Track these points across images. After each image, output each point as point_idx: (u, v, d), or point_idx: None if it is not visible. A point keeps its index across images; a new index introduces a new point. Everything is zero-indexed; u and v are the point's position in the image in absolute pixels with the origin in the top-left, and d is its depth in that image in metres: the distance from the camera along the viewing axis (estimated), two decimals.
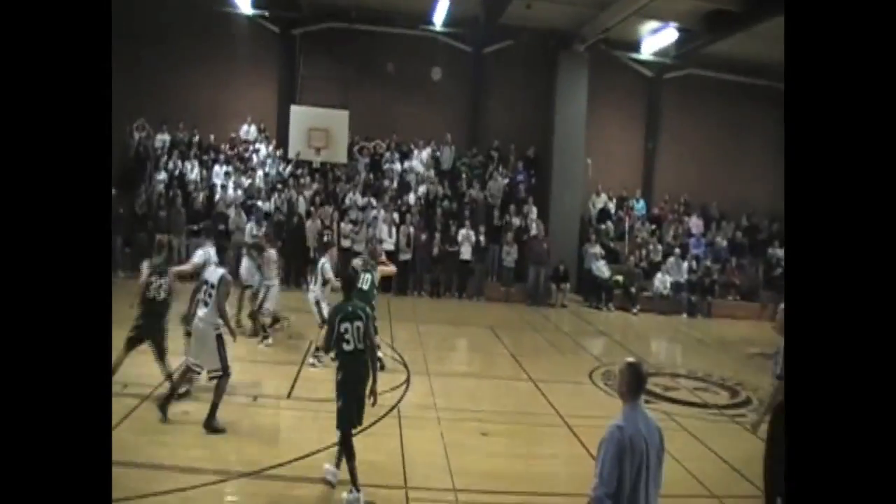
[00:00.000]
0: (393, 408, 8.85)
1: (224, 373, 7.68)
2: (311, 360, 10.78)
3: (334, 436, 6.45)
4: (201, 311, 7.80)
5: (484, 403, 9.49)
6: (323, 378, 9.98)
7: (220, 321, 7.83)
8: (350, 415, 6.23)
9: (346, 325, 6.31)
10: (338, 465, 6.43)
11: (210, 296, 7.79)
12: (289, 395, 9.29)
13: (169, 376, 8.32)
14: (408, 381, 10.32)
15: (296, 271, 17.20)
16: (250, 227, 16.75)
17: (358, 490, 6.12)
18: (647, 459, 3.79)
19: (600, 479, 3.71)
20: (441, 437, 7.90)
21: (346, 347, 6.31)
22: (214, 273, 8.05)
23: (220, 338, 7.73)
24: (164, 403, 7.79)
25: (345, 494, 6.12)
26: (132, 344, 8.19)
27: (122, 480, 5.32)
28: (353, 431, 6.30)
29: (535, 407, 9.47)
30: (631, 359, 4.19)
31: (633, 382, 4.01)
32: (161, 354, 8.35)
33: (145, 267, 8.47)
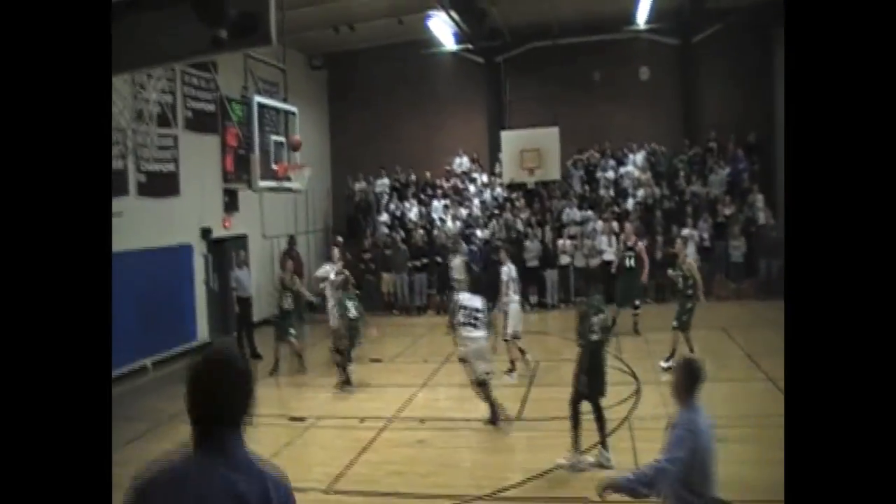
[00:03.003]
0: (624, 420, 8.70)
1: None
2: (508, 376, 11.14)
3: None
4: (476, 333, 9.08)
5: (720, 408, 8.88)
6: (550, 398, 9.96)
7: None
8: (602, 387, 7.65)
9: (594, 318, 7.69)
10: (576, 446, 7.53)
11: (477, 318, 9.08)
12: (518, 417, 9.44)
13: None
14: (637, 391, 10.00)
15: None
16: (458, 262, 17.09)
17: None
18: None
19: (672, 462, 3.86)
20: None
21: (593, 337, 7.67)
22: (474, 299, 9.34)
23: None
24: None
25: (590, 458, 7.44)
26: None
27: None
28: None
29: (776, 409, 8.70)
30: (689, 355, 3.99)
31: (688, 382, 4.07)
32: None
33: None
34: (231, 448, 2.27)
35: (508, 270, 11.72)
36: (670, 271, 12.19)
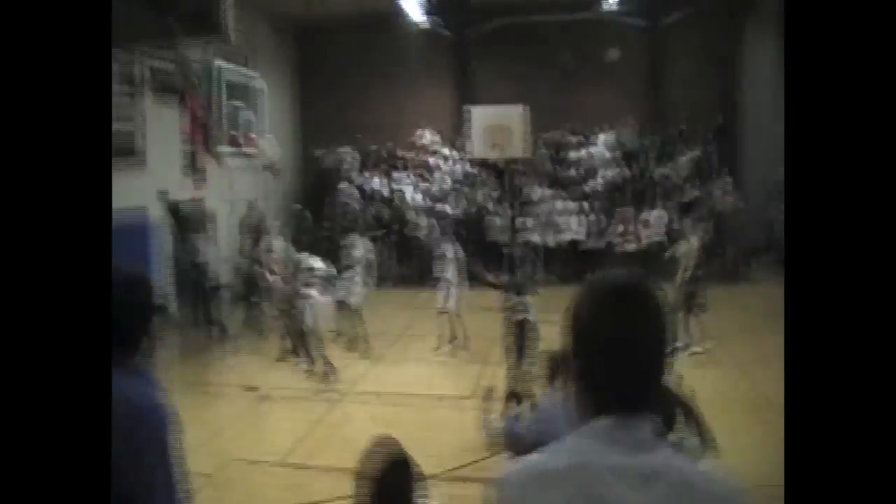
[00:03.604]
0: None
1: None
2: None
3: None
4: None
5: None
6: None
7: None
8: None
9: None
10: None
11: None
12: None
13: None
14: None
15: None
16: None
17: None
18: None
19: None
20: None
21: None
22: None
23: None
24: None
25: None
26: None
27: None
28: None
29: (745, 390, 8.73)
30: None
31: (549, 371, 4.52)
32: None
33: None
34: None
35: (454, 250, 11.93)
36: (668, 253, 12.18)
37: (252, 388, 9.95)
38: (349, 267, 11.77)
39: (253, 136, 15.88)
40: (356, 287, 11.56)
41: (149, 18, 4.17)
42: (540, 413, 4.14)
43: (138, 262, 14.23)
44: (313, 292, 10.21)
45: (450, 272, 11.67)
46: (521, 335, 8.20)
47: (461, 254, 11.97)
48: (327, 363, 10.30)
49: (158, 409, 2.40)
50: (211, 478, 7.15)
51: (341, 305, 11.50)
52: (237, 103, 16.18)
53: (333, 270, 11.04)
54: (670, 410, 3.83)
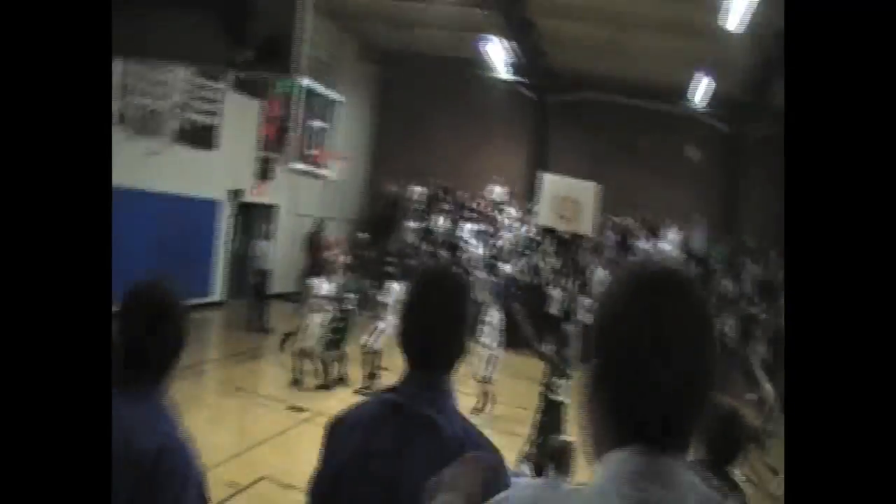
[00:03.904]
0: None
1: None
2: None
3: None
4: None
5: None
6: None
7: None
8: None
9: None
10: None
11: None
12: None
13: None
14: None
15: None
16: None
17: None
18: None
19: None
20: None
21: None
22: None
23: None
24: None
25: None
26: None
27: None
28: None
29: None
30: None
31: None
32: None
33: None
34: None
35: (500, 318, 11.14)
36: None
37: (297, 409, 9.90)
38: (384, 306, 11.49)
39: (327, 152, 15.71)
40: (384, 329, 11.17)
41: (223, 46, 3.96)
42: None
43: (200, 253, 14.15)
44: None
45: (489, 337, 11.02)
46: (552, 415, 7.96)
47: (503, 323, 11.28)
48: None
49: (180, 452, 2.12)
50: (240, 490, 7.10)
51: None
52: (317, 123, 16.05)
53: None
54: (732, 444, 3.09)
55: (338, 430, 1.97)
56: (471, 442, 1.84)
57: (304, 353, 10.87)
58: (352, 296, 11.29)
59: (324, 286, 10.98)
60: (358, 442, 1.89)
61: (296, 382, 10.82)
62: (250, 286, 14.40)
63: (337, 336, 10.97)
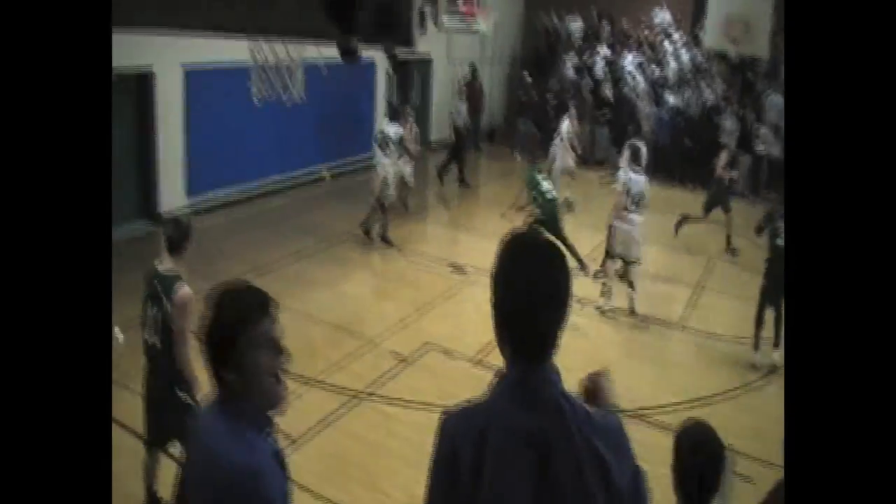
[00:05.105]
0: None
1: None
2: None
3: None
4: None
5: None
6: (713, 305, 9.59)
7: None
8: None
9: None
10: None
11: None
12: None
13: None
14: None
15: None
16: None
17: None
18: None
19: None
20: None
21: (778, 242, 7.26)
22: (639, 182, 8.83)
23: None
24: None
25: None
26: None
27: None
28: None
29: None
30: None
31: None
32: None
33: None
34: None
35: (638, 181, 8.86)
36: None
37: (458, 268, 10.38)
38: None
39: (479, 6, 15.58)
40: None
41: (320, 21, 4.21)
42: None
43: (362, 105, 15.00)
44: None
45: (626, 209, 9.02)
46: None
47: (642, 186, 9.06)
48: None
49: (273, 476, 2.09)
50: (406, 361, 7.52)
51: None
52: None
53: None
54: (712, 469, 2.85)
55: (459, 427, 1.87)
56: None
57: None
58: None
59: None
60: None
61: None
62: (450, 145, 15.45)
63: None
